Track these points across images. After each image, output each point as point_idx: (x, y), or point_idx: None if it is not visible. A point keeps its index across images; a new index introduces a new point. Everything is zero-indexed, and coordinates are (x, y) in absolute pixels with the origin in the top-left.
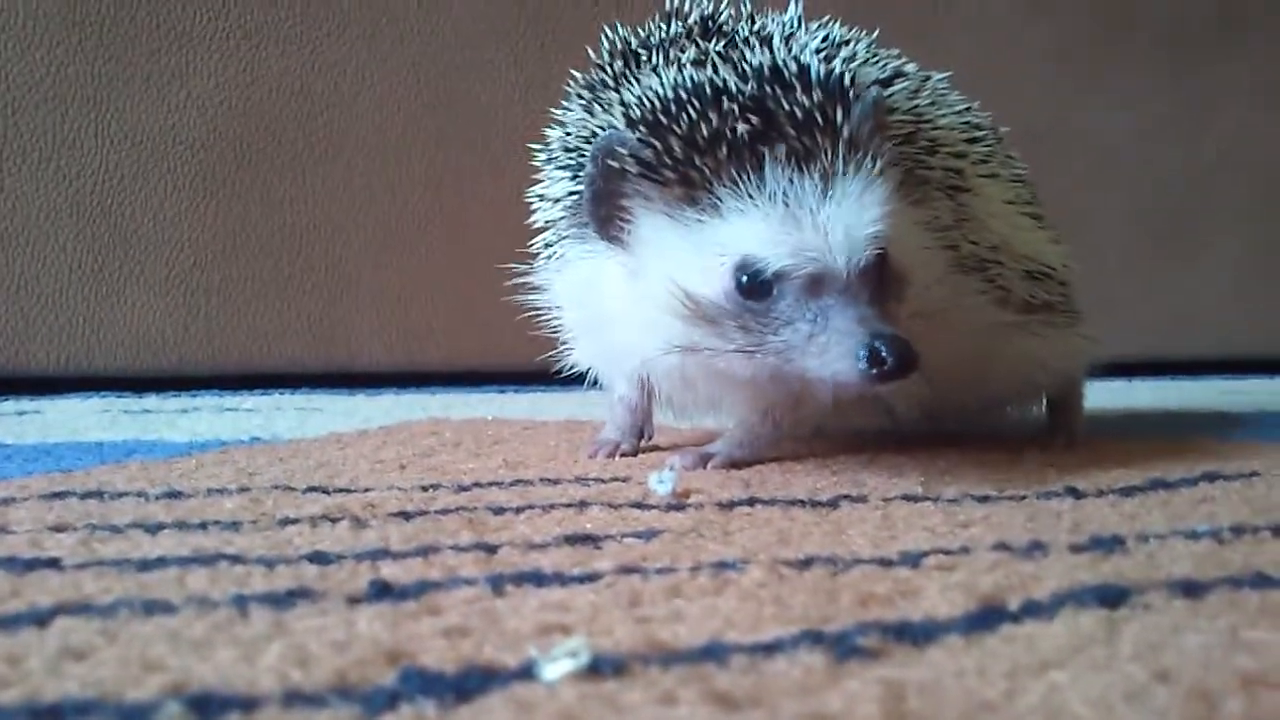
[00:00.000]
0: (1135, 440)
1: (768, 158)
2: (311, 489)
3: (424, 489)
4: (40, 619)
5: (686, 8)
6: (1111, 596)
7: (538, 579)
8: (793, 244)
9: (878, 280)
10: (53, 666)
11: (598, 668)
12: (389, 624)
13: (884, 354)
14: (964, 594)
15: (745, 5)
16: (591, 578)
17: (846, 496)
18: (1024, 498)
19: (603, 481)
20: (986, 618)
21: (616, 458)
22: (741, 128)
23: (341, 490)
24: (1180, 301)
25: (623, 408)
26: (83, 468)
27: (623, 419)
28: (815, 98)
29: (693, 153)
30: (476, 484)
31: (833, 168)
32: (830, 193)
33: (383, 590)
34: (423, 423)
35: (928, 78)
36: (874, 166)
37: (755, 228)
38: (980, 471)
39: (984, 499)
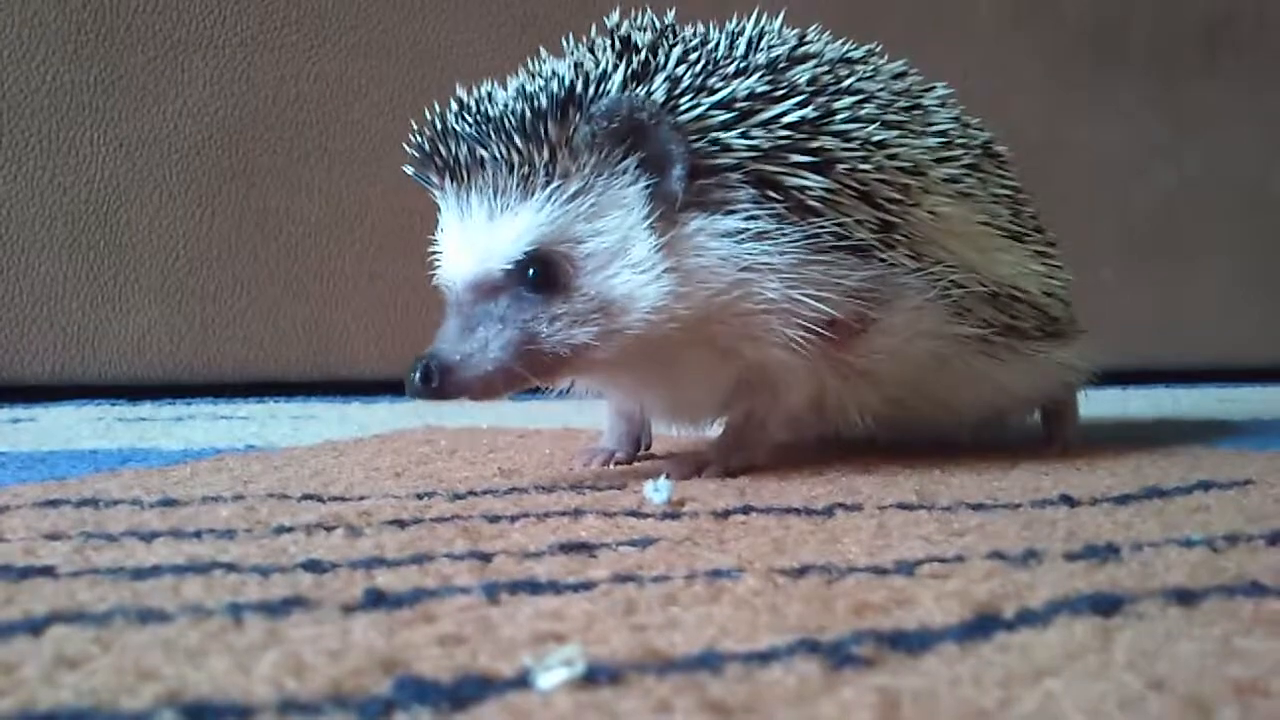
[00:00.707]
0: (1129, 448)
1: (448, 175)
2: (306, 497)
3: (419, 497)
4: (35, 627)
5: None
6: (1106, 605)
7: (533, 587)
8: (439, 260)
9: (533, 288)
10: (47, 675)
11: (593, 676)
12: (384, 632)
13: (424, 373)
14: (959, 602)
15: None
16: (586, 586)
17: (842, 505)
18: (1018, 506)
19: (598, 490)
20: (981, 626)
21: (610, 466)
22: (461, 148)
23: (336, 498)
24: (1171, 312)
25: (616, 416)
26: (77, 476)
27: (617, 427)
28: (520, 109)
29: (425, 161)
30: (471, 492)
31: (501, 185)
32: (467, 210)
33: (378, 599)
34: (418, 431)
35: (904, 94)
36: (580, 176)
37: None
38: (975, 480)
39: (978, 507)
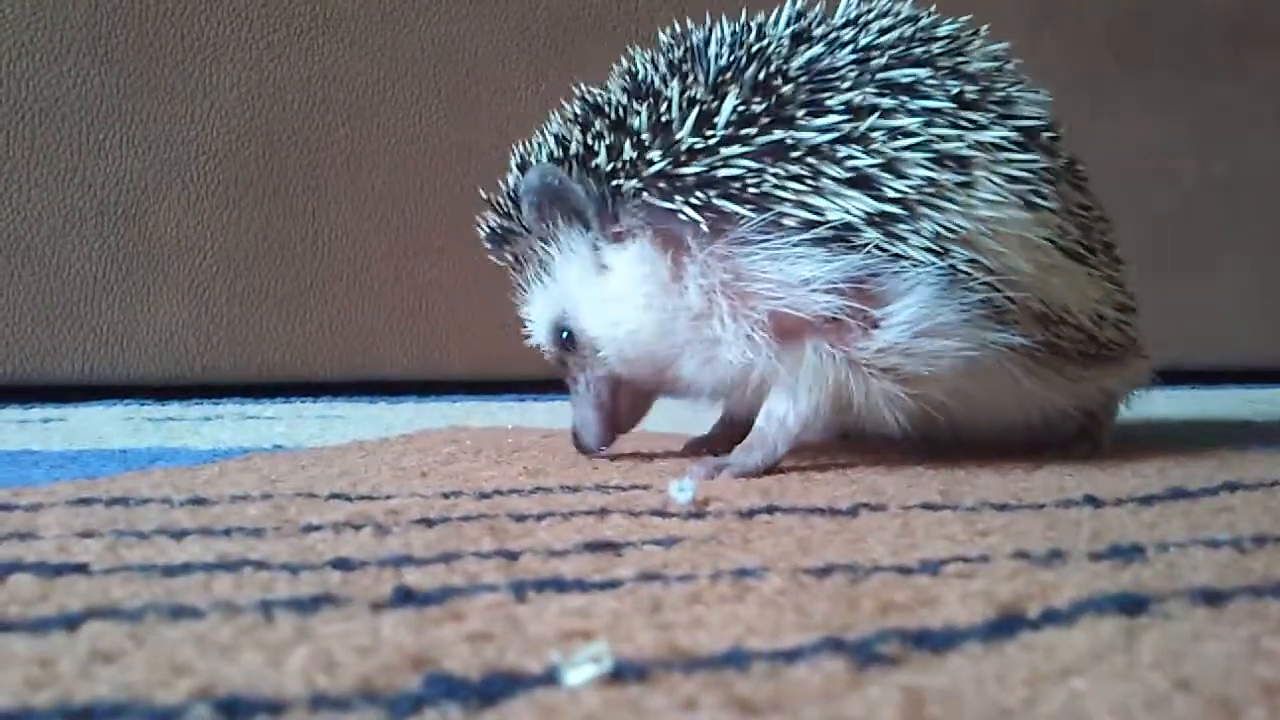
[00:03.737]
0: (1154, 449)
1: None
2: (334, 496)
3: (445, 496)
4: (70, 623)
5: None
6: (1131, 605)
7: (559, 585)
8: None
9: (570, 351)
10: (83, 669)
11: (620, 673)
12: (413, 629)
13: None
14: (984, 602)
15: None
16: (613, 584)
17: (866, 505)
18: (1043, 506)
19: (623, 489)
20: (1006, 625)
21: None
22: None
23: (364, 497)
24: (1197, 312)
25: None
26: (108, 474)
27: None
28: (507, 206)
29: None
30: (497, 491)
31: (523, 275)
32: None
33: (406, 596)
34: (444, 431)
35: (980, 80)
36: (545, 252)
37: None
38: (999, 480)
39: (1003, 507)
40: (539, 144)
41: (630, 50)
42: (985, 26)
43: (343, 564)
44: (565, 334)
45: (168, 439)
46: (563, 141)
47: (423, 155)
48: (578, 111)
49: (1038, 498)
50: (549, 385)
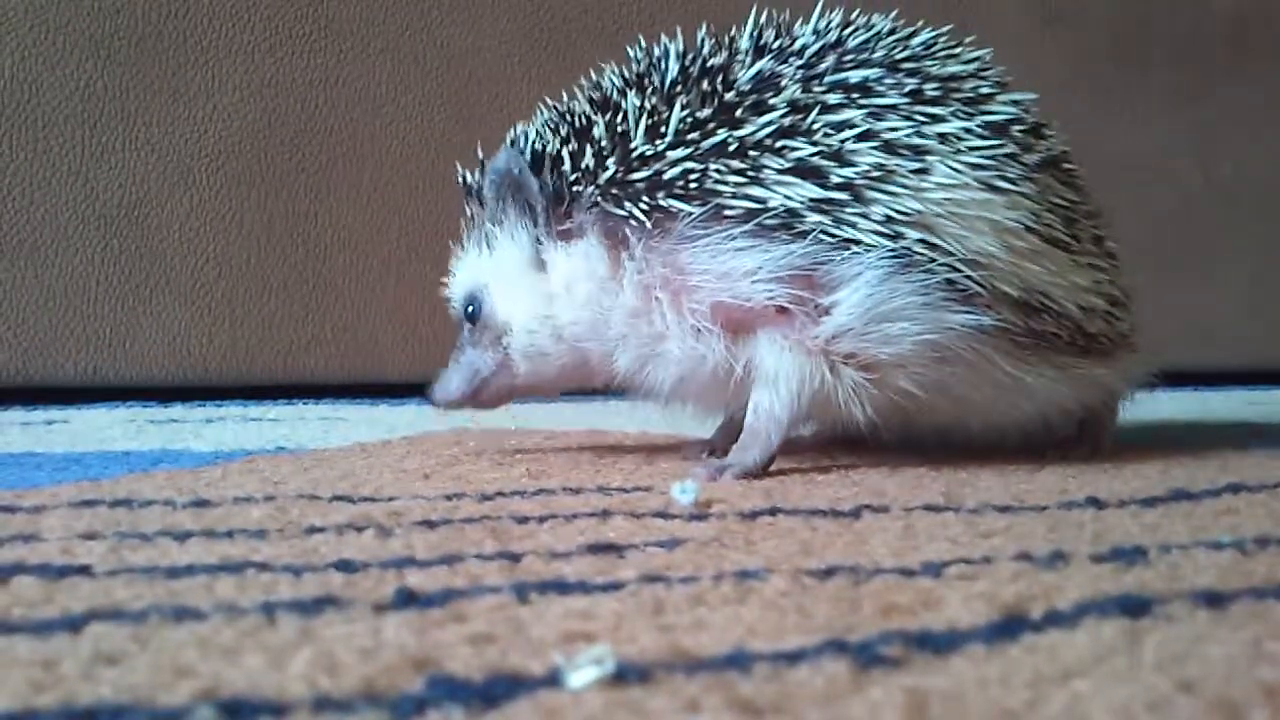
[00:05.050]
0: (1157, 451)
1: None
2: (337, 498)
3: (448, 498)
4: (73, 625)
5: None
6: (1134, 607)
7: (562, 587)
8: None
9: (471, 322)
10: (87, 671)
11: (623, 675)
12: (415, 631)
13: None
14: (986, 604)
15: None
16: (615, 586)
17: (868, 507)
18: (1045, 508)
19: (625, 491)
20: (1009, 627)
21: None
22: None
23: (366, 499)
24: (1199, 313)
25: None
26: (111, 476)
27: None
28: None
29: None
30: (500, 493)
31: (463, 239)
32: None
33: (409, 598)
34: (446, 433)
35: (945, 81)
36: (492, 228)
37: None
38: (1001, 482)
39: (1005, 509)
40: (523, 132)
41: (605, 63)
42: (970, 37)
43: (345, 566)
44: (472, 308)
45: (170, 441)
46: (541, 137)
47: (425, 157)
48: (551, 117)
49: (1040, 499)
50: None
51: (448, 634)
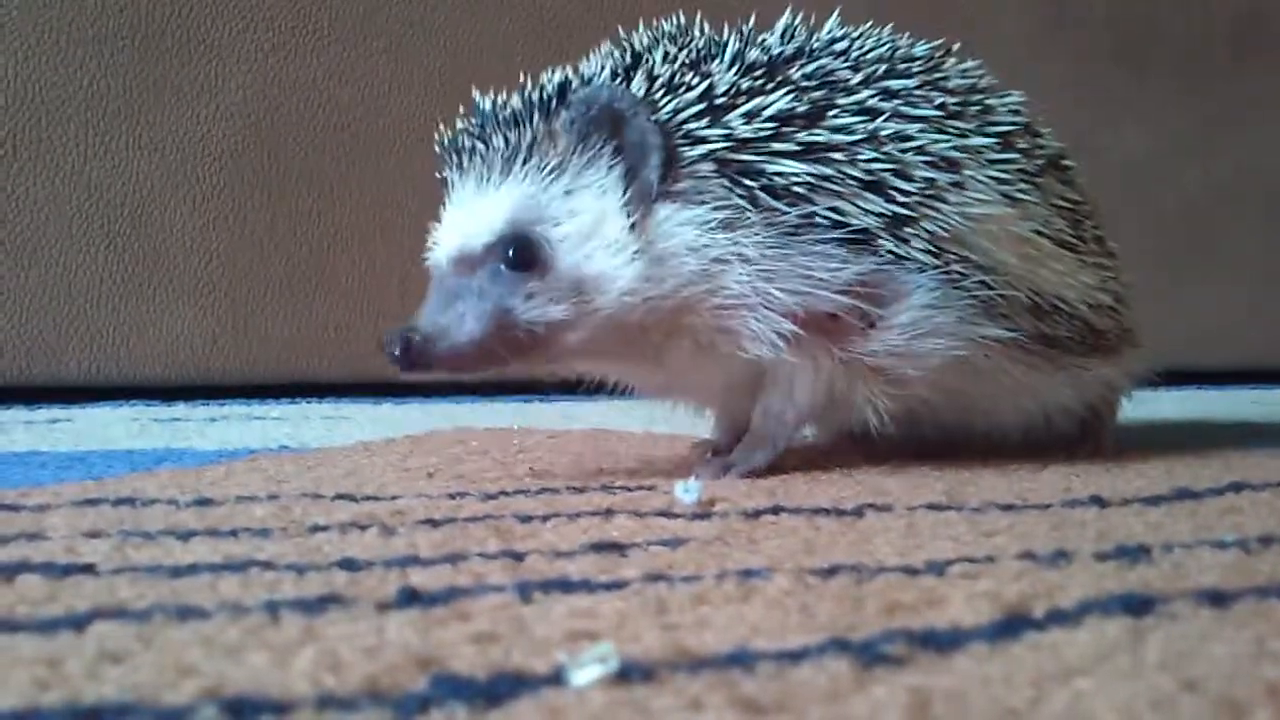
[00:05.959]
0: (1160, 450)
1: (451, 167)
2: (340, 497)
3: (451, 497)
4: (78, 623)
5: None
6: (1137, 605)
7: (565, 586)
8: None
9: (511, 264)
10: (91, 670)
11: (626, 674)
12: (419, 630)
13: (402, 344)
14: (989, 602)
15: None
16: (618, 585)
17: (871, 505)
18: (1049, 507)
19: (629, 490)
20: (1012, 626)
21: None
22: (462, 140)
23: (370, 498)
24: (1202, 313)
25: (721, 410)
26: (115, 475)
27: (721, 420)
28: (513, 104)
29: (440, 159)
30: (503, 492)
31: (488, 168)
32: (459, 192)
33: (412, 597)
34: (449, 432)
35: (961, 94)
36: (559, 159)
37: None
38: (1004, 481)
39: (1008, 508)
40: (615, 69)
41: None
42: (957, 45)
43: (349, 564)
44: (515, 249)
45: (174, 440)
46: (651, 74)
47: (428, 156)
48: (650, 70)
49: (1043, 498)
50: (554, 387)
51: (451, 633)
